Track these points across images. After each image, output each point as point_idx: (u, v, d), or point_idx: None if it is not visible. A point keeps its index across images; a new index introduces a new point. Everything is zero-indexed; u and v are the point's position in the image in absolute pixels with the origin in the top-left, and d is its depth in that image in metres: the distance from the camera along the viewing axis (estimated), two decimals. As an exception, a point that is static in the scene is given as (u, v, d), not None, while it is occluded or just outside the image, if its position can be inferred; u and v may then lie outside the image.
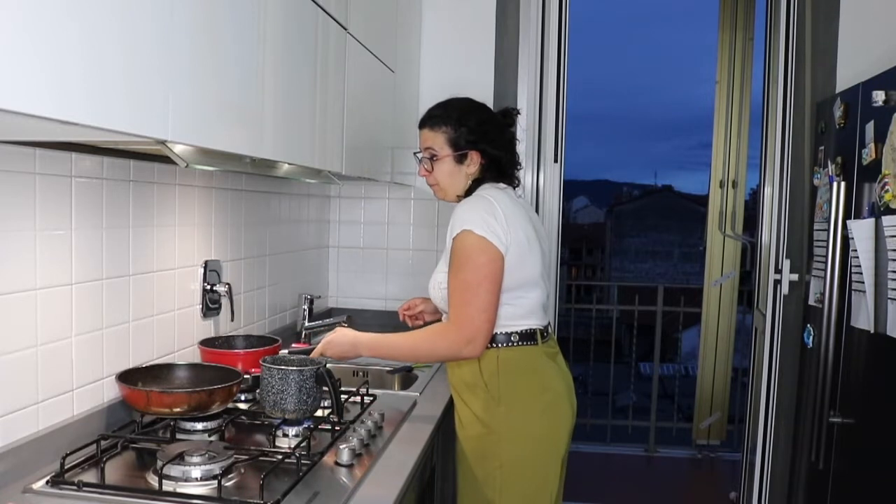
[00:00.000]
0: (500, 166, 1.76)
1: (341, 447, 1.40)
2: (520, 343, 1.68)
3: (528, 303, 1.70)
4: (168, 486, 1.23)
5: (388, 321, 2.93)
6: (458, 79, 2.82)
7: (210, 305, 1.93)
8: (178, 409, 1.45)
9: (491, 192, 1.70)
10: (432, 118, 1.76)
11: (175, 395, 1.46)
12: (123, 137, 1.05)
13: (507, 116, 1.81)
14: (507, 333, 1.68)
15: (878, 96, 2.01)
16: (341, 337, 1.73)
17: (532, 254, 1.69)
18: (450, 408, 1.92)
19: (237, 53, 1.30)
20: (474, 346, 1.61)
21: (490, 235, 1.61)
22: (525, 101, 2.80)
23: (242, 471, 1.32)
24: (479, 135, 1.73)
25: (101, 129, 0.93)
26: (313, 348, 1.75)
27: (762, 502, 2.88)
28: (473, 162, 1.73)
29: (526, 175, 2.84)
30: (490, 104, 2.78)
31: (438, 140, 1.74)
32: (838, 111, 2.34)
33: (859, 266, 2.05)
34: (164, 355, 1.74)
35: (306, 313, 2.52)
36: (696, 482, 4.03)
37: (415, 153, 1.82)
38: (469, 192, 1.74)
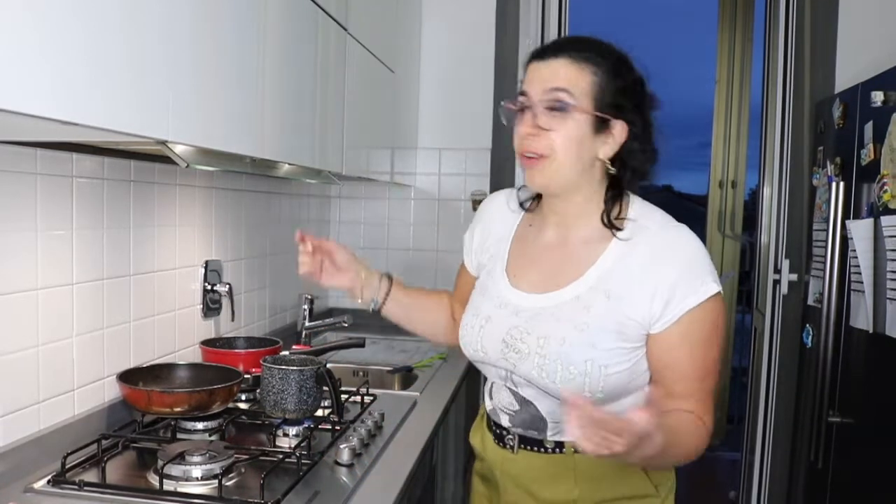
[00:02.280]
0: (641, 171, 1.17)
1: (341, 447, 1.40)
2: None
3: None
4: (169, 485, 1.23)
5: (388, 321, 2.93)
6: (458, 79, 2.83)
7: (210, 305, 1.93)
8: (178, 409, 1.45)
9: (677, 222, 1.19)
10: (575, 47, 1.13)
11: (176, 394, 1.47)
12: (125, 138, 1.06)
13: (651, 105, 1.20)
14: None
15: (877, 97, 2.01)
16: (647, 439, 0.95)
17: None
18: (449, 408, 1.92)
19: (238, 54, 1.30)
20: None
21: None
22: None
23: (243, 470, 1.32)
24: (633, 102, 1.13)
25: (104, 130, 0.94)
26: (316, 349, 1.71)
27: (761, 501, 2.89)
28: (614, 139, 1.13)
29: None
30: (490, 105, 2.80)
31: (580, 82, 1.11)
32: (837, 111, 2.34)
33: (858, 266, 2.05)
34: (165, 355, 1.74)
35: (306, 313, 2.52)
36: (696, 482, 4.04)
37: (504, 102, 1.19)
38: (611, 214, 1.17)
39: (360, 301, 1.40)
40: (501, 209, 1.34)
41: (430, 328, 1.48)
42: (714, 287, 1.11)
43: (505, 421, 1.28)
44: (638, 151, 1.15)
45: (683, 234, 1.15)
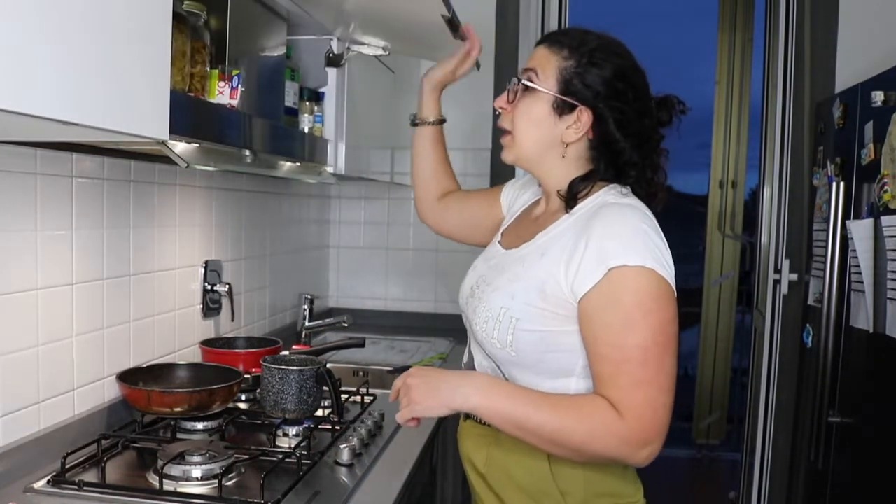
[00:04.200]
0: (618, 163, 1.16)
1: (341, 447, 1.40)
2: None
3: None
4: (169, 485, 1.23)
5: (388, 321, 2.94)
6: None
7: (210, 305, 1.93)
8: (178, 409, 1.45)
9: (638, 205, 1.14)
10: (556, 35, 1.20)
11: (176, 394, 1.47)
12: (124, 138, 1.05)
13: (665, 108, 1.18)
14: None
15: (877, 97, 2.01)
16: (431, 374, 1.13)
17: None
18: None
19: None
20: (652, 450, 1.03)
21: (670, 277, 1.06)
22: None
23: (243, 470, 1.32)
24: (609, 92, 1.12)
25: (105, 130, 0.93)
26: (316, 349, 1.71)
27: (761, 502, 2.89)
28: (577, 126, 1.14)
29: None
30: (490, 105, 2.79)
31: (548, 65, 1.15)
32: (837, 111, 2.34)
33: (858, 266, 2.05)
34: (165, 355, 1.74)
35: (306, 313, 2.53)
36: (696, 482, 4.04)
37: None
38: (575, 189, 1.16)
39: (420, 112, 1.57)
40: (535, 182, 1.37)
41: (426, 181, 1.56)
42: (636, 259, 1.03)
43: None
44: (614, 143, 1.14)
45: (627, 210, 1.10)
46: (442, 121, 1.56)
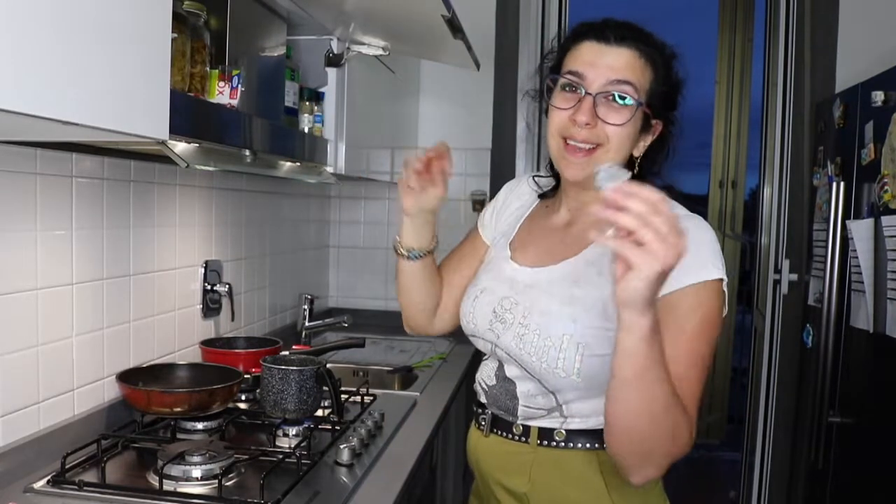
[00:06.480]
0: (659, 161, 1.16)
1: (341, 447, 1.40)
2: None
3: None
4: (168, 485, 1.23)
5: (388, 321, 2.93)
6: (458, 79, 2.83)
7: (210, 305, 1.93)
8: (178, 409, 1.45)
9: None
10: (642, 39, 1.08)
11: (175, 394, 1.47)
12: (124, 138, 1.05)
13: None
14: None
15: (878, 96, 2.01)
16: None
17: None
18: (449, 408, 1.92)
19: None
20: (670, 464, 1.01)
21: (727, 287, 1.06)
22: (526, 102, 2.81)
23: (243, 470, 1.32)
24: (674, 102, 1.13)
25: (106, 130, 0.93)
26: (316, 349, 1.70)
27: (761, 502, 2.89)
28: (646, 139, 1.12)
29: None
30: (490, 105, 2.79)
31: (643, 78, 1.07)
32: (837, 111, 2.34)
33: (859, 266, 2.05)
34: (165, 355, 1.74)
35: (306, 313, 2.53)
36: (696, 482, 4.04)
37: (549, 77, 1.13)
38: None
39: (403, 239, 1.27)
40: (523, 187, 1.33)
41: (423, 307, 1.36)
42: (715, 273, 1.01)
43: (482, 397, 1.26)
44: (662, 150, 1.14)
45: (693, 220, 1.08)
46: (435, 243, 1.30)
